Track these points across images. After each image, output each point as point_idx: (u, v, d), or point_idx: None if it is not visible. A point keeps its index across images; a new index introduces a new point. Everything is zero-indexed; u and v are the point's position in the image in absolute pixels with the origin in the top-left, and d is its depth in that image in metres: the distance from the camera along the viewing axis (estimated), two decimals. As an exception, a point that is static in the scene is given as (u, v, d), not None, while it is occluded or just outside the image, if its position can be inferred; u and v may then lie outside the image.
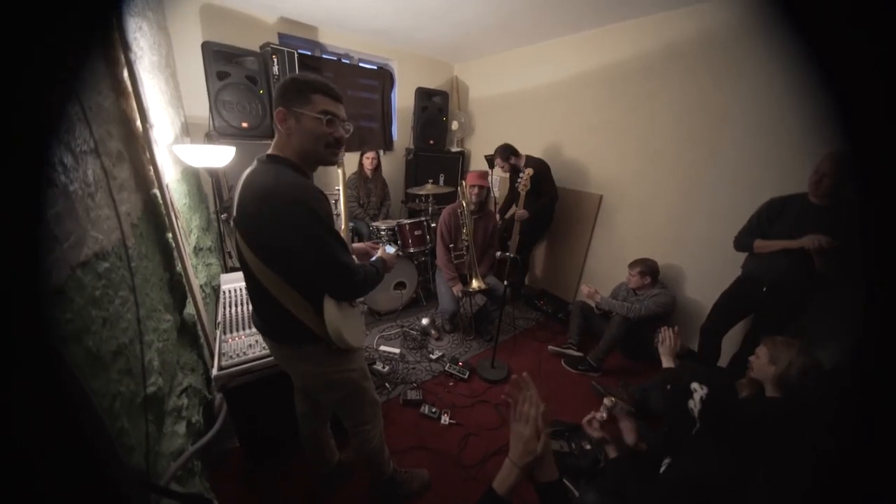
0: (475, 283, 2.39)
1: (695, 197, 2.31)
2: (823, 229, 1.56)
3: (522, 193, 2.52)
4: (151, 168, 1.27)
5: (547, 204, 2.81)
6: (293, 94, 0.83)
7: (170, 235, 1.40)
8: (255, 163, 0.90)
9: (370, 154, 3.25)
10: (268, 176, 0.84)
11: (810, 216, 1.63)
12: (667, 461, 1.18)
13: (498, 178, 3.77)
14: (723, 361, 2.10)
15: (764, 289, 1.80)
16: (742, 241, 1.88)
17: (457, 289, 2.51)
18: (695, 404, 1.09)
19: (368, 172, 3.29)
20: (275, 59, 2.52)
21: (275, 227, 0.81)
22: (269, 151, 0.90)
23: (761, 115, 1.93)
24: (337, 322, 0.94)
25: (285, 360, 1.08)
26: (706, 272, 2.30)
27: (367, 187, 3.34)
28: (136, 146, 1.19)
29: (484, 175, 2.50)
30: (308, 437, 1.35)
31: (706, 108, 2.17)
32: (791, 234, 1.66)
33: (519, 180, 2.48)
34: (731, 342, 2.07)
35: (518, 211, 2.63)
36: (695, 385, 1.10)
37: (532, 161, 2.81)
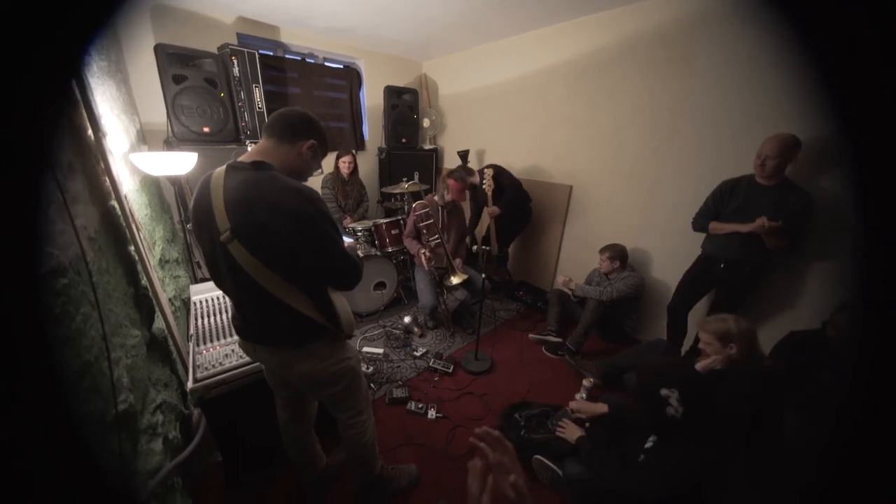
0: (454, 280, 2.42)
1: (658, 185, 2.43)
2: (770, 206, 1.69)
3: (489, 192, 2.65)
4: (107, 179, 1.21)
5: (514, 196, 2.84)
6: (325, 143, 1.01)
7: (132, 248, 1.33)
8: (228, 170, 0.90)
9: (346, 158, 3.14)
10: (270, 182, 0.86)
11: (758, 194, 1.76)
12: (652, 439, 1.22)
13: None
14: (689, 336, 2.24)
15: (722, 266, 1.93)
16: (699, 223, 2.01)
17: (422, 255, 2.52)
18: (674, 410, 1.07)
19: (345, 175, 3.21)
20: (234, 61, 2.43)
21: (289, 229, 0.85)
22: (253, 158, 0.91)
23: (713, 105, 2.06)
24: (348, 310, 1.07)
25: (284, 365, 1.06)
26: (670, 254, 2.43)
27: (344, 190, 3.27)
28: (89, 157, 1.13)
29: (465, 189, 2.58)
30: (293, 444, 1.34)
31: (662, 100, 2.29)
32: (742, 212, 1.79)
33: (483, 184, 2.70)
34: (696, 318, 2.21)
35: (490, 208, 2.72)
36: (665, 392, 1.06)
37: (493, 169, 2.89)
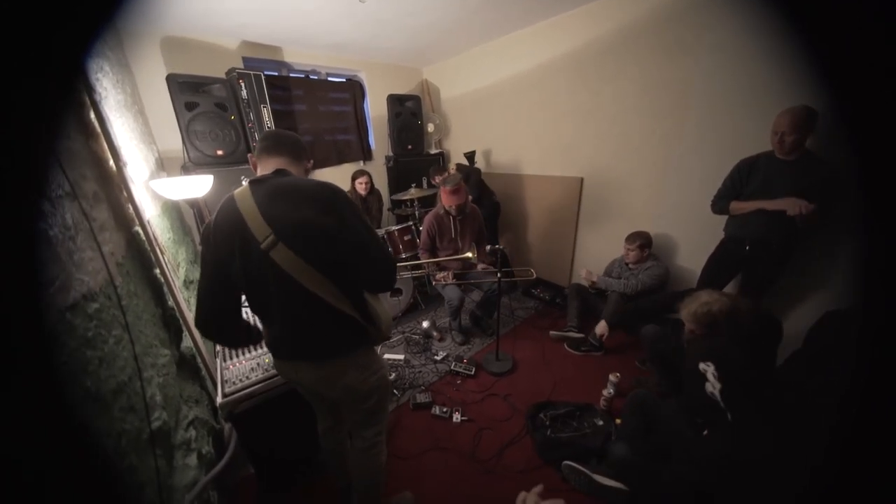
0: (469, 254, 2.28)
1: (670, 168, 2.36)
2: (792, 182, 1.62)
3: None
4: (130, 206, 1.27)
5: (474, 182, 3.08)
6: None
7: (157, 271, 1.39)
8: (251, 185, 0.92)
9: (363, 179, 3.20)
10: (300, 181, 0.92)
11: (779, 171, 1.68)
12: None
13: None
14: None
15: (747, 247, 1.86)
16: (718, 205, 1.94)
17: (445, 276, 2.53)
18: (713, 387, 1.01)
19: (364, 194, 3.27)
20: (242, 84, 2.51)
21: (331, 216, 0.89)
22: (273, 168, 0.95)
23: (718, 83, 2.00)
24: (385, 309, 1.09)
25: (328, 380, 1.04)
26: (692, 238, 2.35)
27: (364, 207, 3.33)
28: (112, 186, 1.19)
29: (457, 191, 2.34)
30: (332, 451, 1.35)
31: (666, 82, 2.23)
32: (764, 190, 1.72)
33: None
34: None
35: None
36: (702, 366, 1.01)
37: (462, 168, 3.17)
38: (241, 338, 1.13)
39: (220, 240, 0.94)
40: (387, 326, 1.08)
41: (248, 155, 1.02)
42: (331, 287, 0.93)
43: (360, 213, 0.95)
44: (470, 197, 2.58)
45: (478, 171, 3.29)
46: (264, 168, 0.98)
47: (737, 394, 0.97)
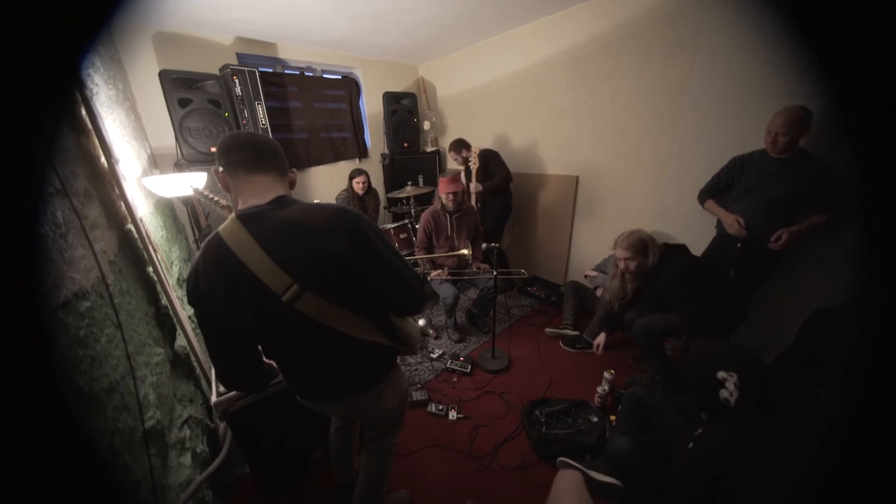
0: (465, 251, 2.34)
1: (667, 166, 2.38)
2: (786, 180, 1.65)
3: (473, 170, 2.85)
4: (122, 203, 1.25)
5: (499, 182, 2.96)
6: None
7: (150, 269, 1.38)
8: (248, 222, 0.76)
9: (360, 178, 3.18)
10: (312, 211, 0.78)
11: (773, 169, 1.70)
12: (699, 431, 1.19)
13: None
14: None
15: (738, 245, 1.88)
16: (701, 198, 2.00)
17: (440, 273, 2.53)
18: (729, 394, 1.00)
19: (361, 193, 3.26)
20: (236, 80, 2.49)
21: (362, 252, 0.79)
22: (270, 197, 0.79)
23: (716, 81, 2.01)
24: (414, 326, 1.06)
25: (367, 410, 1.02)
26: (690, 237, 2.31)
27: (362, 205, 3.32)
28: (104, 183, 1.17)
29: (455, 179, 2.44)
30: (339, 449, 1.35)
31: (663, 81, 2.24)
32: (757, 187, 1.74)
33: (469, 160, 2.90)
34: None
35: (472, 184, 2.90)
36: (722, 374, 1.00)
37: (482, 151, 2.99)
38: (264, 381, 1.03)
39: (217, 299, 0.76)
40: (415, 341, 1.04)
41: (214, 170, 0.81)
42: (364, 323, 0.85)
43: (384, 235, 0.85)
44: (465, 188, 2.60)
45: (496, 153, 3.12)
46: (249, 191, 0.79)
47: (753, 402, 1.00)
